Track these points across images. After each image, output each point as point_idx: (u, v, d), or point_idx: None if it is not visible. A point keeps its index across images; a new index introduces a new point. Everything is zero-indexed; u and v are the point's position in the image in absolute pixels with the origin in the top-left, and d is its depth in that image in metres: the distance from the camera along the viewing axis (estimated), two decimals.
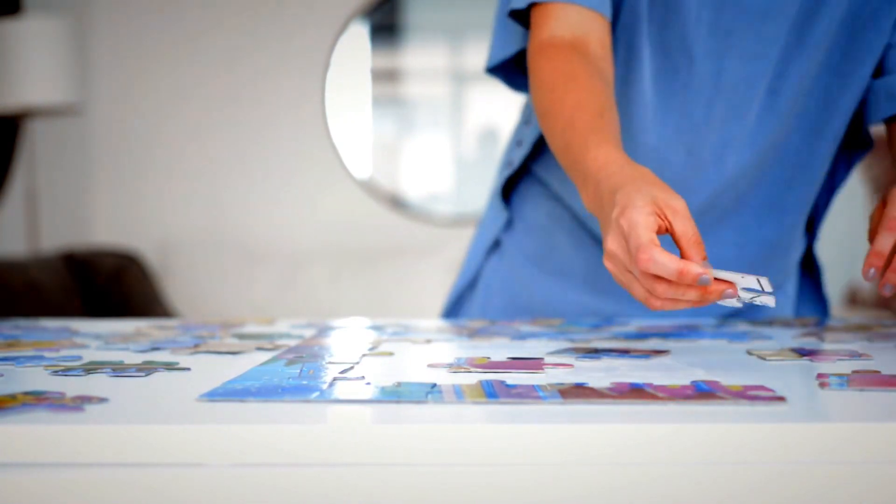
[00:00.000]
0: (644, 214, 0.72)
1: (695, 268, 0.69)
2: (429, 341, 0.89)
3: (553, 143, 0.91)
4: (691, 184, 1.04)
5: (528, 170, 1.18)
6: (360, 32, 3.65)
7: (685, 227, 0.72)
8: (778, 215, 1.09)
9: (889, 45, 1.04)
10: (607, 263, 0.76)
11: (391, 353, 0.80)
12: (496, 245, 1.20)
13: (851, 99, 1.07)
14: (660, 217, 0.73)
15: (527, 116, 1.18)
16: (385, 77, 3.76)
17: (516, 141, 1.18)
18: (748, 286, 0.71)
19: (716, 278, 0.71)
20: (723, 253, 1.09)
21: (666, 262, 0.69)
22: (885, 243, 0.82)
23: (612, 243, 0.74)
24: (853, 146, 1.13)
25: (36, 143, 3.10)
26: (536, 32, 0.98)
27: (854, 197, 3.01)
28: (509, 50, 1.06)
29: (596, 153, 0.82)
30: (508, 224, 1.19)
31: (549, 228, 1.16)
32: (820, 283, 1.23)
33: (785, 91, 1.02)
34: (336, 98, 3.59)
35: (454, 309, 1.24)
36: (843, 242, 2.87)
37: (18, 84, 2.69)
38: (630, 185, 0.75)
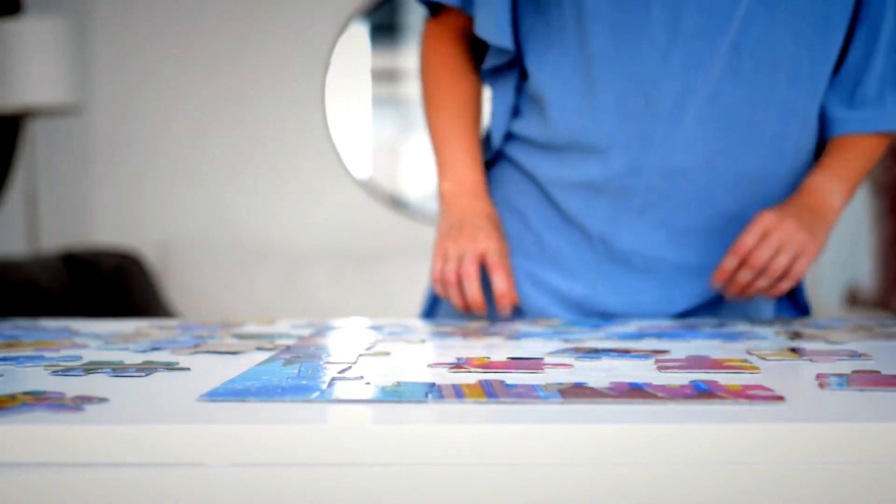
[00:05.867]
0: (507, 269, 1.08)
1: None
2: (423, 341, 0.89)
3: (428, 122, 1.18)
4: (651, 137, 1.06)
5: (502, 153, 1.20)
6: (360, 32, 3.65)
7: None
8: (748, 190, 1.09)
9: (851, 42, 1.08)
10: (445, 266, 1.09)
11: (388, 353, 0.80)
12: None
13: (822, 79, 1.07)
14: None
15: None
16: (385, 77, 3.76)
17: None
18: None
19: None
20: (690, 222, 1.10)
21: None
22: (731, 263, 1.03)
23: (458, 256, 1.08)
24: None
25: (36, 143, 3.10)
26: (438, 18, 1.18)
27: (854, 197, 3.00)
28: None
29: (464, 158, 1.15)
30: None
31: (521, 209, 1.17)
32: (800, 291, 1.21)
33: (747, 50, 1.03)
34: (336, 98, 3.59)
35: (432, 303, 1.23)
36: (842, 242, 2.87)
37: (18, 84, 2.69)
38: (486, 220, 1.11)
